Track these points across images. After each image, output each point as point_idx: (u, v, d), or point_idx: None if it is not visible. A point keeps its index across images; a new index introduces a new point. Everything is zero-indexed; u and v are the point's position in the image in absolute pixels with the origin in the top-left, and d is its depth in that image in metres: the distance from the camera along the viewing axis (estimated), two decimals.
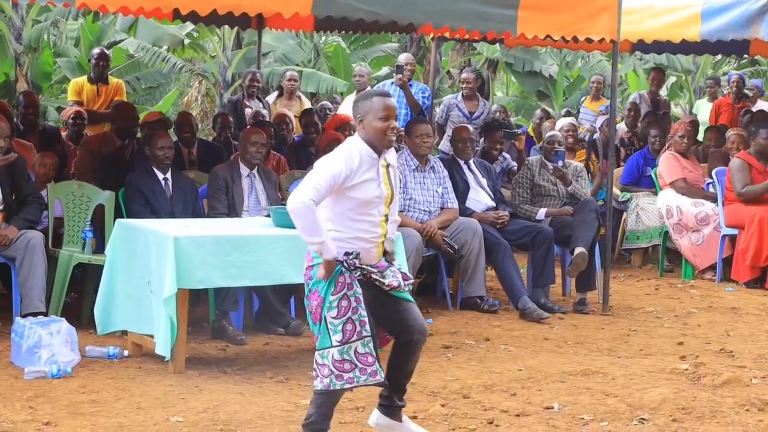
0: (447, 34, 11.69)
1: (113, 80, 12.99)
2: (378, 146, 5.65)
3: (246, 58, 20.17)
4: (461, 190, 9.99)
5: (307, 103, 13.72)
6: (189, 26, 18.89)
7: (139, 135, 10.40)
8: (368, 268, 5.65)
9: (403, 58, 12.91)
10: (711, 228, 11.59)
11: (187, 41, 19.83)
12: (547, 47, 19.30)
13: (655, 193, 12.16)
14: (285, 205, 9.09)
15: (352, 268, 5.57)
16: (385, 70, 23.41)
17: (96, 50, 13.11)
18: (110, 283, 7.70)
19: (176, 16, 12.48)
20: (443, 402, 6.67)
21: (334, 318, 5.54)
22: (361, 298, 5.59)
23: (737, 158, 11.55)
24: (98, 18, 20.49)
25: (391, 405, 5.95)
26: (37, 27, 18.90)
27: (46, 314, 7.89)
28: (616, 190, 12.13)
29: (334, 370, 5.52)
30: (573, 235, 9.87)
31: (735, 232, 11.36)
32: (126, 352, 7.66)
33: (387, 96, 5.74)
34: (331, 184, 5.50)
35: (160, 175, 8.92)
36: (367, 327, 5.59)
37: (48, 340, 7.24)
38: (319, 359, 5.57)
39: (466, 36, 12.15)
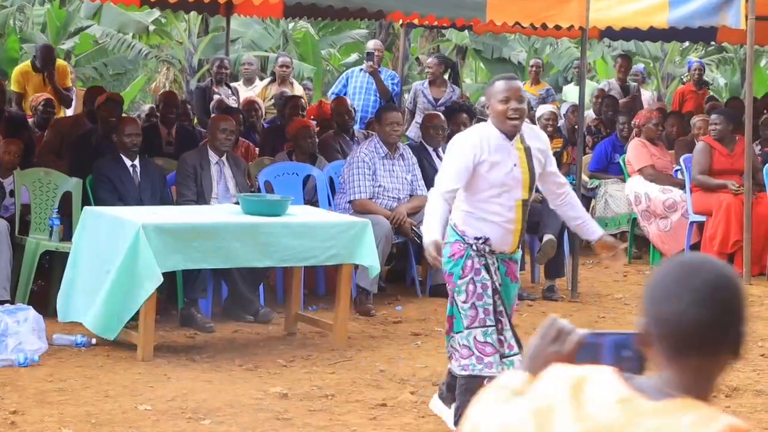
0: (416, 21, 11.68)
1: (59, 62, 12.87)
2: (503, 129, 5.58)
3: (213, 44, 20.07)
4: (430, 177, 9.95)
5: (299, 90, 13.67)
6: (155, 13, 18.81)
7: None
8: (498, 255, 5.62)
9: (372, 44, 12.88)
10: (679, 215, 11.63)
11: (152, 27, 19.72)
12: (516, 34, 19.30)
13: (624, 180, 12.19)
14: (254, 192, 9.17)
15: (481, 253, 5.56)
16: (353, 56, 23.37)
17: (41, 47, 13.06)
18: (74, 271, 7.64)
19: (144, 2, 12.42)
20: (412, 389, 6.68)
21: (463, 302, 5.59)
22: (489, 285, 5.55)
23: (701, 141, 11.62)
24: (64, 4, 20.36)
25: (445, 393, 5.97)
26: (3, 12, 18.77)
27: (11, 302, 7.83)
28: (584, 177, 12.15)
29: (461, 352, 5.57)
30: (541, 222, 9.88)
31: (703, 218, 11.40)
32: (94, 341, 7.61)
33: (510, 79, 5.69)
34: (458, 171, 5.53)
35: (128, 162, 8.86)
36: (492, 316, 5.56)
37: (15, 328, 7.18)
38: (453, 342, 5.64)
39: (435, 23, 12.14)
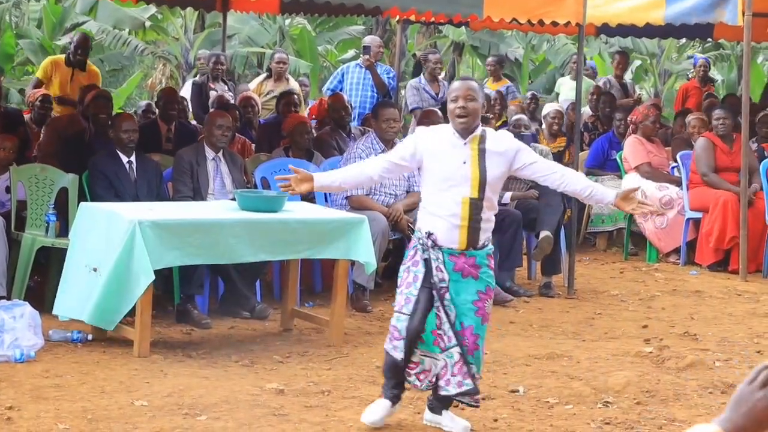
0: (413, 17, 11.68)
1: (91, 67, 12.86)
2: (454, 127, 5.77)
3: (209, 40, 20.07)
4: None
5: (295, 86, 13.66)
6: (151, 9, 18.79)
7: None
8: (446, 251, 5.71)
9: (370, 39, 12.89)
10: (675, 211, 11.64)
11: (148, 23, 19.70)
12: (513, 30, 19.33)
13: (621, 177, 12.19)
14: (250, 188, 9.17)
15: (425, 248, 5.71)
16: (350, 53, 23.37)
17: (78, 35, 12.94)
18: (72, 267, 7.63)
19: None
20: (408, 386, 6.66)
21: (398, 287, 5.85)
22: (420, 278, 5.72)
23: (702, 138, 11.62)
24: (60, 0, 20.33)
25: (432, 401, 6.02)
26: None
27: (8, 298, 7.83)
28: (581, 174, 12.14)
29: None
30: (538, 219, 9.89)
31: (699, 215, 11.42)
32: (90, 337, 7.61)
33: (465, 79, 5.91)
34: (404, 148, 5.87)
35: (124, 158, 8.85)
36: (409, 306, 5.73)
37: (11, 324, 7.18)
38: None
39: (432, 19, 12.13)
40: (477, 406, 5.94)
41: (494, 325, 8.58)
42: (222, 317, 8.47)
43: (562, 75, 15.54)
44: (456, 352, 5.72)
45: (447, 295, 5.71)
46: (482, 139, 5.78)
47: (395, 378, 5.95)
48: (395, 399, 5.99)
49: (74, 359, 7.13)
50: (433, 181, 5.78)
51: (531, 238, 10.24)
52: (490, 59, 16.10)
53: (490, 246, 5.88)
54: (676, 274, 11.09)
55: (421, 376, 5.90)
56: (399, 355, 5.80)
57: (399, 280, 5.86)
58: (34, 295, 8.28)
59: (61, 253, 8.13)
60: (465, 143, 5.74)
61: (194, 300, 8.36)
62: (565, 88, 15.31)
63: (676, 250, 11.64)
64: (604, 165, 12.60)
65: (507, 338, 8.14)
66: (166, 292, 8.51)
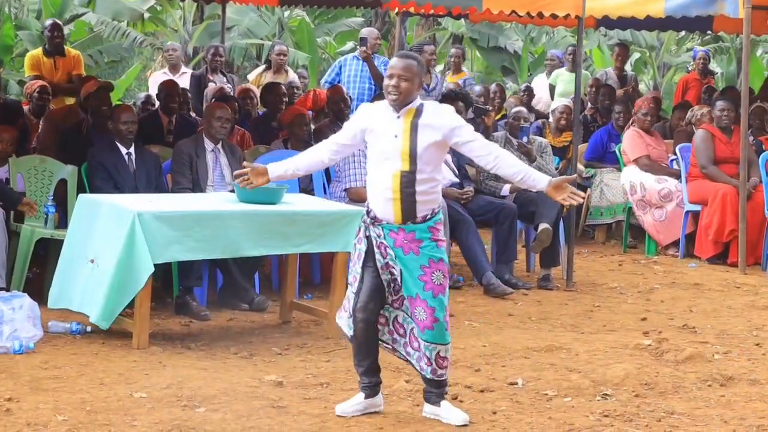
0: (412, 9, 11.66)
1: (71, 51, 12.82)
2: (389, 102, 5.85)
3: (208, 32, 20.04)
4: None
5: (294, 77, 13.65)
6: (150, 0, 18.76)
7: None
8: (386, 226, 5.80)
9: (367, 31, 12.87)
10: (674, 204, 11.64)
11: (147, 15, 19.67)
12: (512, 23, 19.29)
13: (619, 170, 12.19)
14: None
15: (366, 224, 5.86)
16: (349, 44, 23.33)
17: (48, 21, 12.90)
18: (67, 259, 7.62)
19: None
20: (407, 378, 6.67)
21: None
22: (362, 256, 5.86)
23: (701, 129, 11.63)
24: None
25: (426, 391, 6.03)
26: None
27: (7, 289, 7.82)
28: (580, 166, 12.15)
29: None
30: (537, 211, 9.88)
31: (698, 208, 11.42)
32: (89, 328, 7.60)
33: (402, 57, 5.91)
34: (343, 135, 6.04)
35: (123, 150, 8.84)
36: (357, 284, 5.87)
37: (10, 316, 7.18)
38: None
39: (432, 11, 12.11)
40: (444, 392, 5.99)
41: (493, 317, 8.61)
42: (221, 309, 8.47)
43: (560, 67, 15.48)
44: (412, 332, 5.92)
45: (395, 272, 5.82)
46: (418, 112, 5.83)
47: (362, 363, 6.00)
48: (368, 390, 6.02)
49: (73, 351, 7.13)
50: (371, 156, 5.90)
51: (530, 230, 10.23)
52: (453, 50, 15.89)
53: (436, 217, 5.91)
54: (675, 266, 11.09)
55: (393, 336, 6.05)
56: (349, 332, 5.98)
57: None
58: (32, 287, 8.28)
59: (60, 245, 8.12)
60: (398, 116, 5.82)
61: (193, 292, 8.36)
62: (562, 80, 15.30)
63: (675, 243, 11.64)
64: (603, 158, 12.59)
65: (506, 331, 8.14)
66: (165, 284, 8.51)
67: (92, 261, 7.28)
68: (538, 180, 5.96)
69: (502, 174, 6.06)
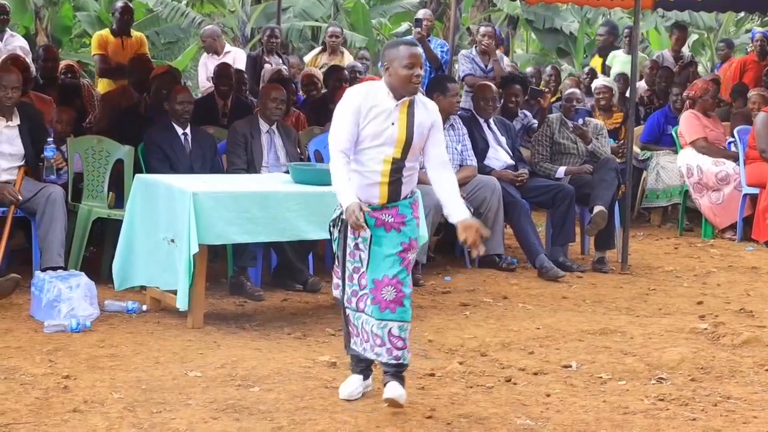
0: None
1: (136, 34, 12.92)
2: (402, 92, 5.77)
3: (265, 13, 20.09)
4: (480, 148, 9.95)
5: (349, 59, 13.64)
6: None
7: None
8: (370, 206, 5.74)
9: (422, 12, 12.84)
10: (731, 187, 11.53)
11: None
12: (568, 4, 19.15)
13: (676, 152, 12.10)
14: (303, 161, 9.19)
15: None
16: (404, 26, 23.30)
17: (120, 3, 13.02)
18: (129, 238, 7.70)
19: None
20: (461, 360, 6.68)
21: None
22: (337, 233, 5.87)
23: (763, 113, 11.50)
24: None
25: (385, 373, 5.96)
26: None
27: (65, 268, 7.90)
28: (636, 149, 12.07)
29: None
30: (592, 194, 9.83)
31: (756, 191, 11.31)
32: (145, 307, 7.68)
33: (413, 45, 5.88)
34: (350, 126, 5.74)
35: (179, 130, 8.89)
36: (340, 262, 5.92)
37: (67, 294, 7.26)
38: None
39: None
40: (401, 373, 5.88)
41: (547, 300, 8.58)
42: (275, 290, 8.51)
43: (617, 48, 15.36)
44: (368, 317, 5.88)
45: (362, 255, 5.82)
46: (411, 103, 5.83)
47: (347, 343, 6.04)
48: (364, 372, 6.02)
49: (129, 330, 7.20)
50: (360, 140, 5.79)
51: (585, 212, 10.18)
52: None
53: (415, 195, 5.98)
54: (732, 250, 10.99)
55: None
56: (337, 294, 6.04)
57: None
58: (89, 266, 8.35)
59: (116, 225, 8.19)
60: (397, 105, 5.79)
61: (247, 272, 8.40)
62: (618, 61, 15.17)
63: (732, 227, 11.54)
64: (660, 140, 12.50)
65: (560, 313, 8.12)
66: (220, 264, 8.55)
67: (172, 240, 7.33)
68: (454, 212, 5.86)
69: (434, 188, 5.98)
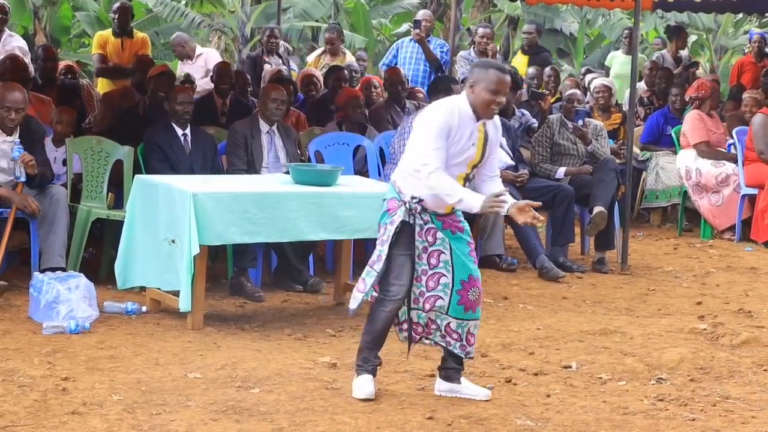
0: None
1: (138, 34, 12.91)
2: (481, 114, 5.82)
3: (265, 13, 20.08)
4: None
5: (351, 59, 13.65)
6: None
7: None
8: (432, 213, 5.83)
9: (421, 13, 12.87)
10: (731, 189, 11.53)
11: None
12: (568, 4, 19.16)
13: (675, 153, 12.09)
14: (304, 161, 9.18)
15: (412, 213, 5.81)
16: (404, 26, 23.29)
17: (117, 4, 13.02)
18: (130, 238, 7.70)
19: None
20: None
21: (377, 241, 5.96)
22: (389, 239, 5.81)
23: (760, 114, 11.50)
24: None
25: (447, 368, 6.06)
26: None
27: (65, 270, 7.89)
28: (635, 149, 12.07)
29: None
30: (592, 194, 9.84)
31: (755, 191, 11.31)
32: (144, 308, 7.68)
33: (503, 71, 5.87)
34: (443, 140, 5.73)
35: (179, 131, 8.89)
36: (380, 264, 5.84)
37: (66, 296, 7.25)
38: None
39: None
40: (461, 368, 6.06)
41: (547, 300, 8.58)
42: (275, 290, 8.50)
43: (616, 49, 15.39)
44: (419, 313, 5.95)
45: (443, 257, 5.87)
46: (485, 124, 5.89)
47: (376, 348, 6.01)
48: (374, 372, 6.05)
49: (128, 331, 7.20)
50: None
51: (585, 213, 10.19)
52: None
53: None
54: (731, 250, 11.00)
55: (404, 326, 6.05)
56: (353, 305, 5.92)
57: (378, 236, 5.95)
58: (88, 267, 8.35)
59: (115, 225, 8.19)
60: (476, 125, 5.85)
61: (247, 273, 8.39)
62: (617, 62, 15.17)
63: (731, 227, 11.54)
64: (659, 140, 12.50)
65: (560, 314, 8.12)
66: (220, 264, 8.55)
67: (173, 241, 7.33)
68: (471, 205, 5.81)
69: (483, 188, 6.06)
